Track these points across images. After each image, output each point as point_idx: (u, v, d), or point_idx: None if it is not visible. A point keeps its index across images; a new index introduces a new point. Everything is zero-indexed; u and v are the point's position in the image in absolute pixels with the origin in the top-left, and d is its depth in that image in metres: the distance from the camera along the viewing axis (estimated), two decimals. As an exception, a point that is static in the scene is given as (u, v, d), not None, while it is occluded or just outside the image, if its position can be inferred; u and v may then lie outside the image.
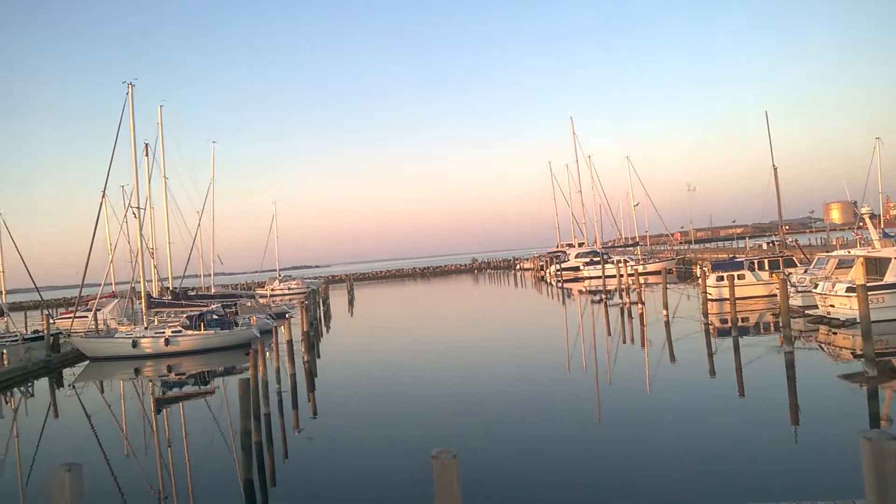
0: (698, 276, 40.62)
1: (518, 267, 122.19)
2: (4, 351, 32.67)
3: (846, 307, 26.45)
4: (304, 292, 70.07)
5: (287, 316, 49.48)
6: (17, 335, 40.08)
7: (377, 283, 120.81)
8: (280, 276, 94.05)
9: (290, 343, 25.11)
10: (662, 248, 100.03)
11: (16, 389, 29.40)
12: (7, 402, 26.93)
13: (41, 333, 39.07)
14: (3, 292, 47.28)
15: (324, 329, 43.91)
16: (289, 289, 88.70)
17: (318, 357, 30.53)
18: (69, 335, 38.16)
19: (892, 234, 32.68)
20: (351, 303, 69.32)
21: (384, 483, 12.96)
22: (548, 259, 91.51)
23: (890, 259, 27.52)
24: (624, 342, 29.08)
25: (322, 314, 50.88)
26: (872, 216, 33.41)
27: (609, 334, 32.12)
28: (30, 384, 30.67)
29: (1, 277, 46.86)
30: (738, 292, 30.21)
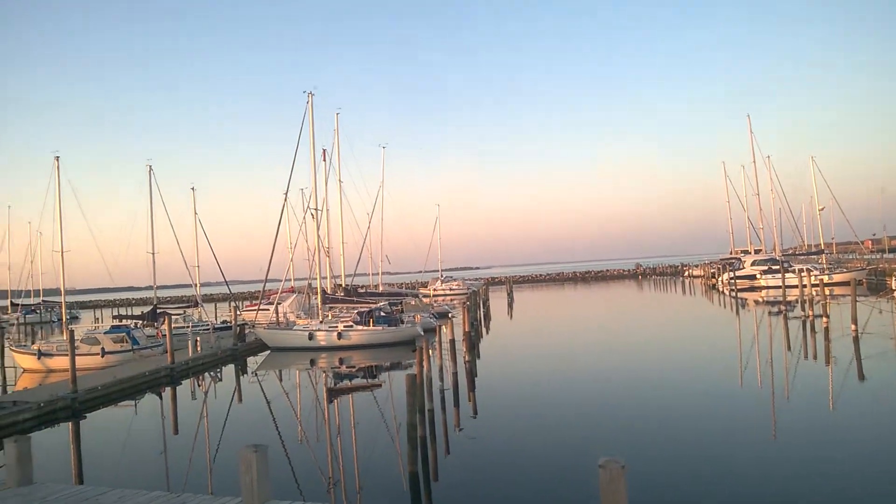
0: (893, 288, 36.76)
1: (686, 274, 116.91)
2: (198, 338, 36.14)
3: None
4: (465, 293, 71.38)
5: (450, 316, 50.63)
6: (208, 325, 44.27)
7: (536, 286, 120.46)
8: (442, 276, 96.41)
9: (452, 342, 25.66)
10: (851, 257, 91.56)
11: (207, 374, 32.36)
12: (199, 385, 29.68)
13: (229, 324, 42.85)
14: (198, 285, 52.26)
15: (484, 330, 44.42)
16: (450, 289, 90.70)
17: (479, 357, 30.92)
18: (253, 326, 41.48)
19: None
20: (510, 305, 69.65)
21: (545, 487, 12.88)
22: (720, 266, 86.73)
23: None
24: (805, 358, 26.93)
25: (482, 315, 51.49)
26: None
27: (788, 349, 29.85)
28: (218, 369, 33.64)
29: (197, 272, 51.85)
30: (944, 308, 27.00)
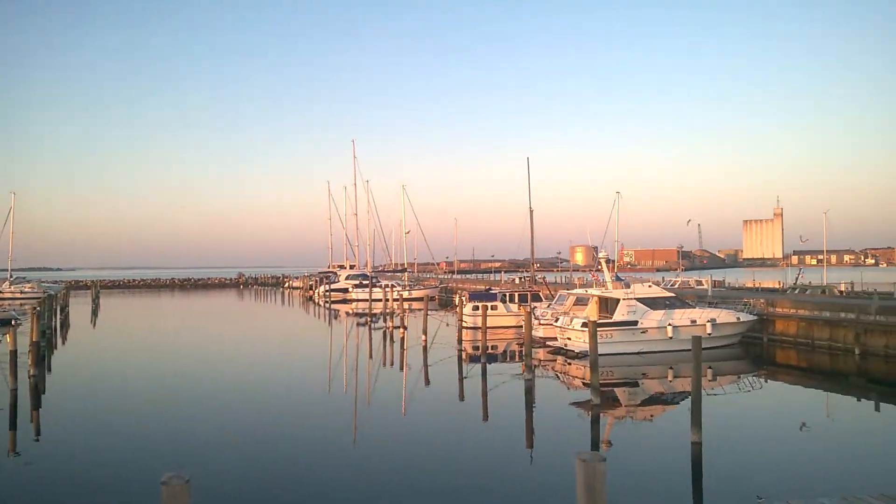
0: (457, 304, 42.67)
1: (287, 285, 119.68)
2: None
3: (581, 341, 29.17)
4: (40, 297, 62.51)
5: (13, 323, 43.75)
6: None
7: (130, 293, 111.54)
8: (11, 276, 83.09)
9: (13, 354, 22.15)
10: (428, 276, 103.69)
11: None
12: None
13: None
14: None
15: (59, 341, 39.49)
16: (21, 292, 78.58)
17: (49, 371, 27.38)
18: None
19: (623, 279, 37.04)
20: (95, 312, 63.09)
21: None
22: (318, 279, 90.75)
23: (619, 300, 31.04)
24: (384, 365, 29.64)
25: (58, 324, 45.86)
26: (608, 261, 37.65)
27: (371, 357, 32.52)
28: None
29: None
30: (490, 322, 31.99)
